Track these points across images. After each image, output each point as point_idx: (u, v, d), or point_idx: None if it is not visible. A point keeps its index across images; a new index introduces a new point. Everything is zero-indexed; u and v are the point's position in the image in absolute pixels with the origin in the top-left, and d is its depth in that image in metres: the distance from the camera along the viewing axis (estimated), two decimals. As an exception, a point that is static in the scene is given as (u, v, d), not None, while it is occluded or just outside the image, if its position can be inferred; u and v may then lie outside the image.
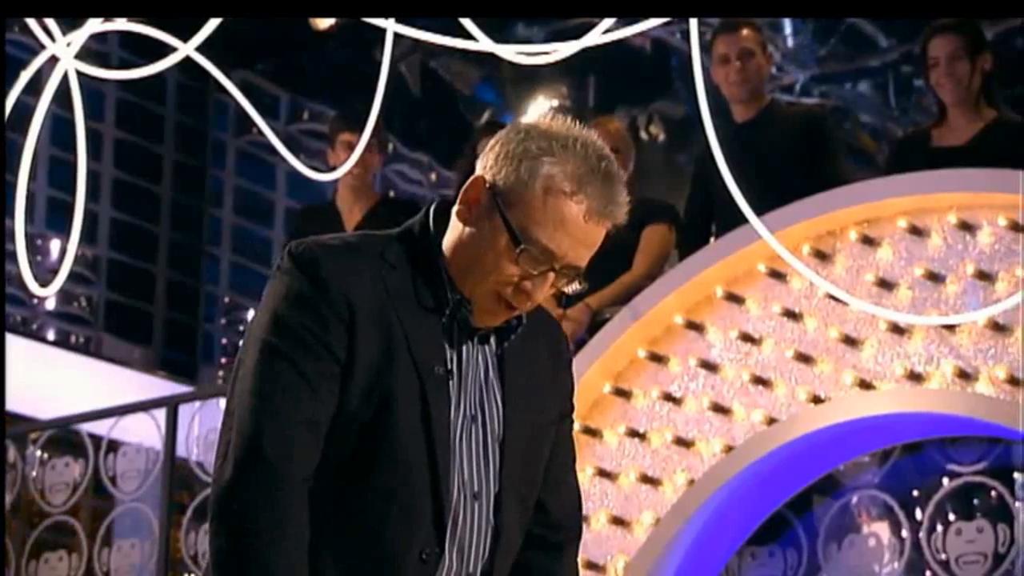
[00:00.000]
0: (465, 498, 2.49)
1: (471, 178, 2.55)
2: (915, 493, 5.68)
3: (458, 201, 2.56)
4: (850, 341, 5.43)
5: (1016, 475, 5.54)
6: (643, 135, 13.00)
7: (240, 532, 2.39)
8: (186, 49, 6.18)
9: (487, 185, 2.52)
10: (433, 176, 13.45)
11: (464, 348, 2.55)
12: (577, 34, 5.86)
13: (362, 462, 2.45)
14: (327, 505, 2.44)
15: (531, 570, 2.63)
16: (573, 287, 2.58)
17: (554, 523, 2.66)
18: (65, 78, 6.28)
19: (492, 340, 2.59)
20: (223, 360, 12.78)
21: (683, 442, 5.63)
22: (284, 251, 2.54)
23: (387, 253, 2.54)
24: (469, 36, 5.82)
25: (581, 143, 2.51)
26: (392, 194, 12.35)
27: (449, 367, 2.51)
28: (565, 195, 2.48)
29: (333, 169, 6.75)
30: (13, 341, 8.78)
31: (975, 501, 5.60)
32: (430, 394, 2.47)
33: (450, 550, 2.47)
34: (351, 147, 6.46)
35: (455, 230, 2.55)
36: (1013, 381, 5.16)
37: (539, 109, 13.45)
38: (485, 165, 2.55)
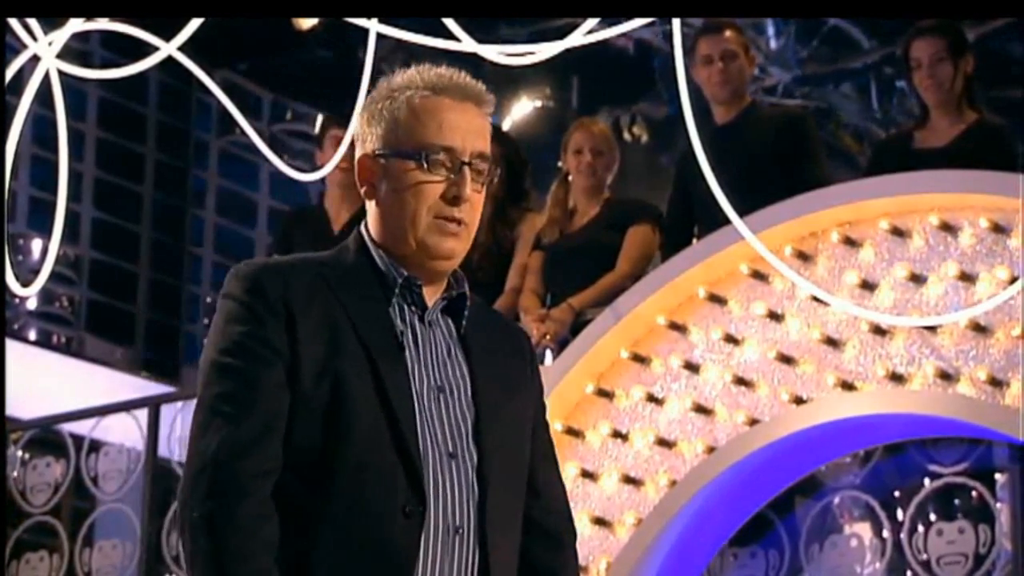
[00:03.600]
0: (440, 457, 2.59)
1: (356, 163, 2.71)
2: (896, 494, 5.68)
3: (359, 188, 2.71)
4: (832, 342, 5.44)
5: (997, 476, 5.55)
6: (626, 136, 13.01)
7: (202, 530, 2.50)
8: (168, 49, 6.17)
9: (371, 155, 2.68)
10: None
11: (418, 326, 2.67)
12: (560, 35, 5.87)
13: (330, 444, 2.56)
14: (309, 491, 2.55)
15: (536, 568, 2.81)
16: (494, 179, 2.72)
17: (551, 530, 2.89)
18: (47, 77, 6.26)
19: (450, 322, 2.70)
20: (205, 360, 12.72)
21: (665, 443, 5.63)
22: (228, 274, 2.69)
23: (327, 260, 2.70)
24: (452, 36, 5.82)
25: (413, 72, 2.70)
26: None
27: (401, 340, 2.63)
28: (427, 98, 2.66)
29: (322, 168, 6.71)
30: (-5, 341, 8.74)
31: (956, 502, 5.61)
32: (381, 366, 2.58)
33: (433, 505, 2.57)
34: (340, 143, 6.43)
35: (373, 211, 2.70)
36: (994, 382, 5.16)
37: (523, 109, 13.45)
38: (361, 144, 2.71)
